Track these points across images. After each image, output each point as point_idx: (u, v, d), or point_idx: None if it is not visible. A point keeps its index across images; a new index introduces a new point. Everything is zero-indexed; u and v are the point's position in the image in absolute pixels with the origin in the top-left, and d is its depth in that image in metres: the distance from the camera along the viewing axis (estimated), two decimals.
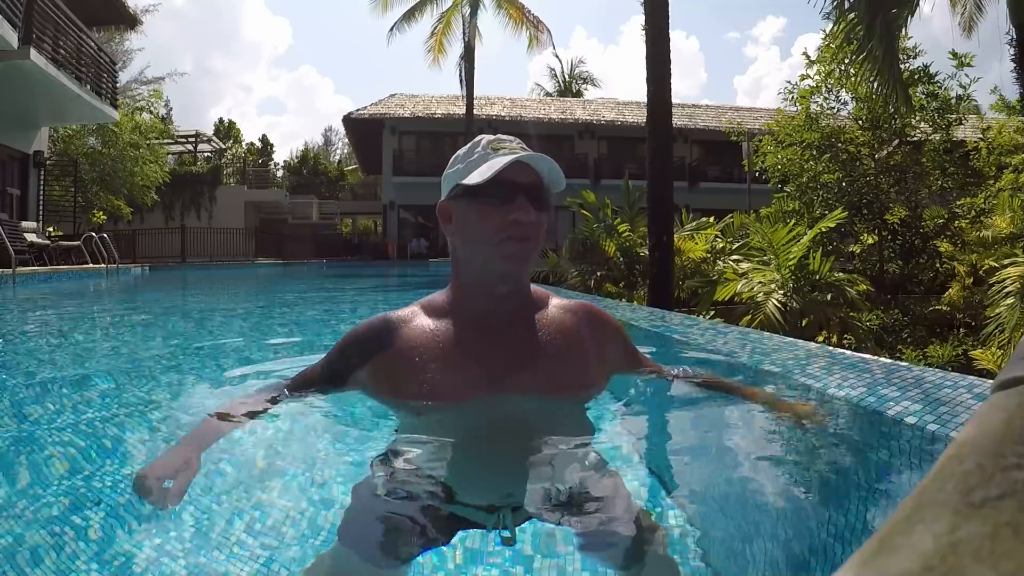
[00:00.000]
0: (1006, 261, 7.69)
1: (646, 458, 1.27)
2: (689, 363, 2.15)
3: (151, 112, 20.62)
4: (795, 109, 10.82)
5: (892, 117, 9.75)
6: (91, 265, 11.59)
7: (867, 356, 1.72)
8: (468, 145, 1.10)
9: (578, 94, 32.69)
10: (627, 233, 8.98)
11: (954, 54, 9.93)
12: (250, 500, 1.13)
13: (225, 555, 0.97)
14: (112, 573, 0.92)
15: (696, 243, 8.67)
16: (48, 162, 14.12)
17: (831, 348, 1.94)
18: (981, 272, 9.00)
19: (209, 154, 28.75)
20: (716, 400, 1.37)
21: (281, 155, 63.82)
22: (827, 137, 10.24)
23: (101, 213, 16.28)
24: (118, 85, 15.20)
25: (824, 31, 9.74)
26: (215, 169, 25.58)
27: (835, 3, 7.25)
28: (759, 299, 5.85)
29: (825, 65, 10.28)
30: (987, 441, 0.20)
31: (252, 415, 1.14)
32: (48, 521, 1.07)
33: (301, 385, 1.19)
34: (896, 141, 10.14)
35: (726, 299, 6.56)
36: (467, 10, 20.25)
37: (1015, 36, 7.51)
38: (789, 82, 11.02)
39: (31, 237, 10.86)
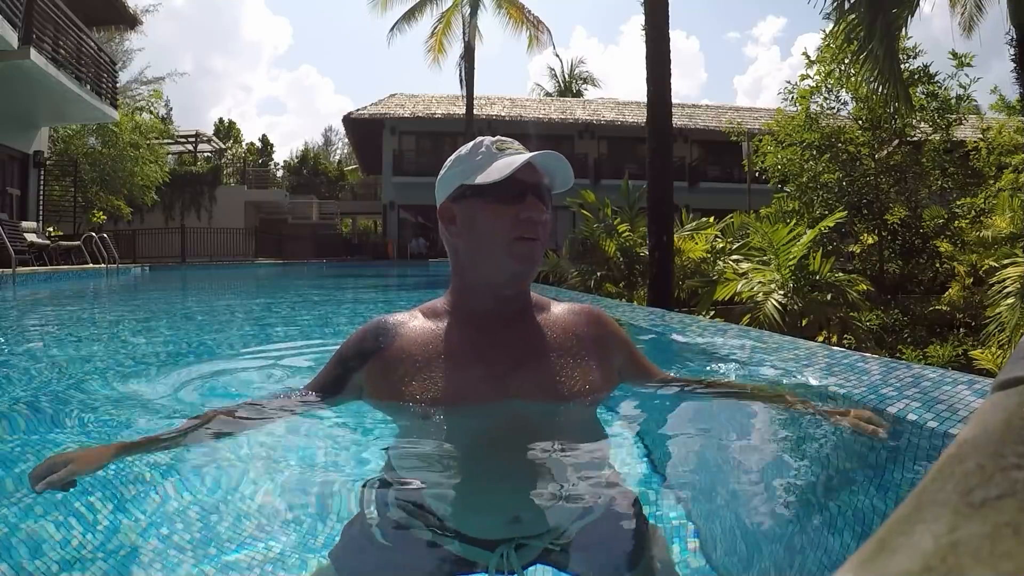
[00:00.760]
0: (1006, 261, 7.69)
1: (659, 472, 1.24)
2: (692, 367, 2.15)
3: (151, 112, 20.64)
4: (795, 109, 10.81)
5: (892, 117, 9.75)
6: (91, 265, 11.59)
7: (867, 354, 1.72)
8: (469, 146, 1.09)
9: (578, 94, 32.69)
10: (627, 233, 8.97)
11: (954, 54, 9.92)
12: (232, 519, 1.11)
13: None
14: None
15: (696, 243, 8.67)
16: (48, 162, 14.12)
17: (832, 347, 1.93)
18: (981, 272, 8.99)
19: (209, 154, 28.75)
20: (725, 406, 1.29)
21: (281, 155, 63.86)
22: (827, 137, 10.24)
23: (101, 213, 16.28)
24: (118, 85, 15.20)
25: (824, 31, 9.75)
26: (215, 169, 25.58)
27: (835, 4, 7.25)
28: (759, 299, 5.85)
29: (825, 65, 10.28)
30: (987, 441, 0.20)
31: (230, 427, 1.06)
32: (41, 519, 1.07)
33: (305, 395, 1.13)
34: (896, 141, 10.14)
35: (726, 299, 6.56)
36: (467, 10, 20.25)
37: (1015, 36, 7.50)
38: (789, 82, 11.02)
39: (31, 237, 10.86)
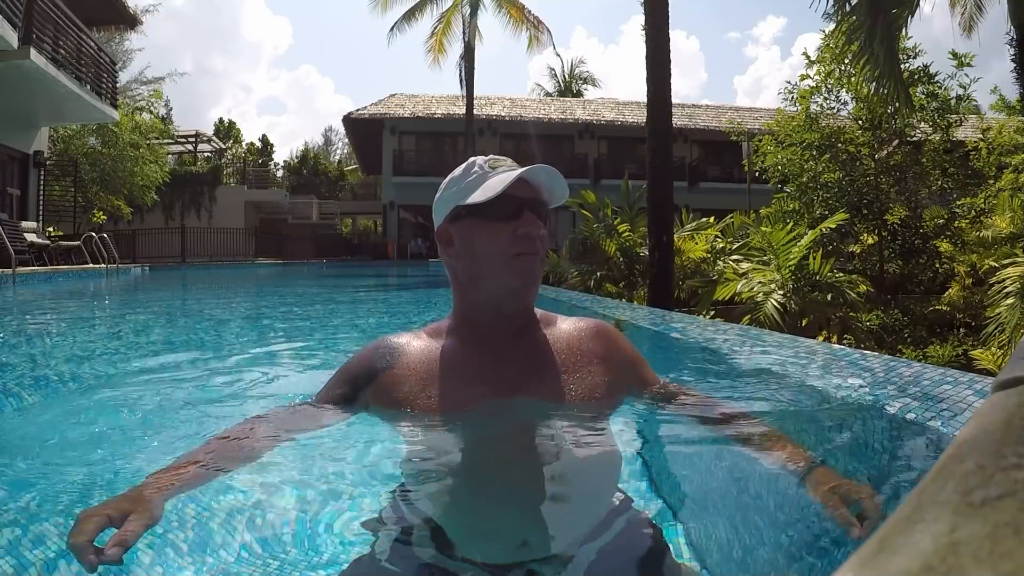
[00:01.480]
0: (1006, 261, 7.69)
1: (668, 492, 1.22)
2: (692, 367, 2.15)
3: (151, 112, 20.63)
4: (795, 109, 10.81)
5: (892, 117, 9.75)
6: (91, 265, 11.59)
7: (867, 352, 1.72)
8: (462, 167, 1.08)
9: (578, 94, 32.69)
10: (627, 233, 8.98)
11: (954, 54, 9.92)
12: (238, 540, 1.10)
13: None
14: None
15: (696, 243, 8.67)
16: (48, 162, 14.11)
17: (832, 344, 1.93)
18: (981, 272, 9.00)
19: (209, 154, 28.76)
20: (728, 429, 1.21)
21: (281, 155, 63.85)
22: (827, 137, 10.24)
23: (101, 213, 16.28)
24: (118, 85, 15.21)
25: (824, 31, 9.76)
26: (215, 169, 25.58)
27: (836, 5, 7.25)
28: (759, 299, 5.85)
29: (825, 65, 10.28)
30: (987, 441, 0.20)
31: (250, 451, 1.00)
32: (39, 520, 1.07)
33: (311, 411, 1.10)
34: (896, 141, 10.14)
35: (726, 299, 6.56)
36: (467, 10, 20.26)
37: (1015, 36, 7.51)
38: (789, 82, 11.03)
39: (31, 237, 10.86)
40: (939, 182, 10.40)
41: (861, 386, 1.42)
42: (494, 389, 1.02)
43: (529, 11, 21.08)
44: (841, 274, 6.83)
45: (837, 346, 1.87)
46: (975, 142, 11.01)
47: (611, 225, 9.21)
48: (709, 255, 8.43)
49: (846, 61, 8.97)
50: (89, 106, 12.18)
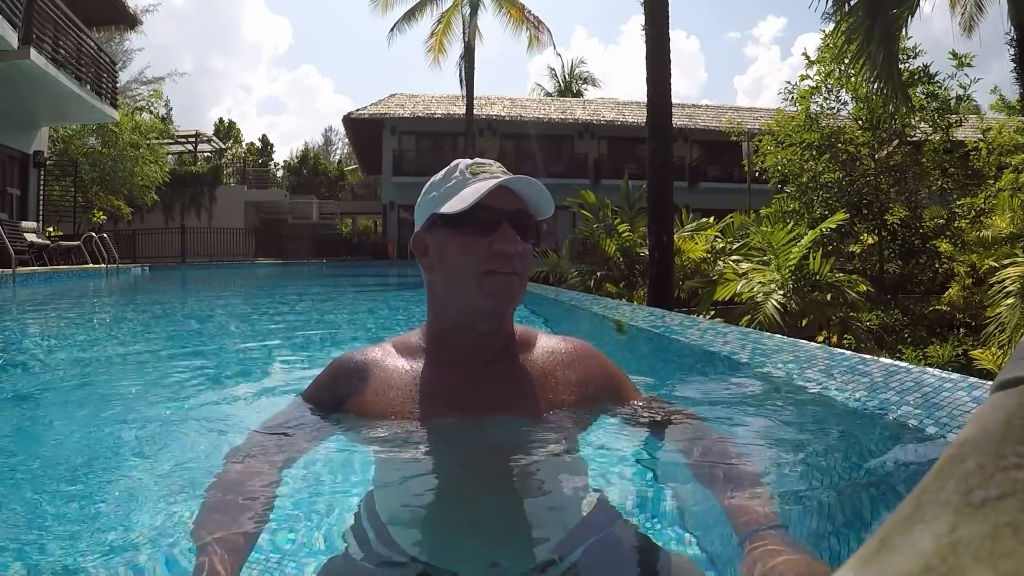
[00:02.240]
0: (1006, 261, 7.70)
1: (658, 499, 1.19)
2: (691, 367, 2.15)
3: (151, 112, 20.63)
4: (795, 109, 10.83)
5: (892, 117, 9.76)
6: (91, 265, 11.59)
7: (867, 356, 1.72)
8: (444, 171, 1.01)
9: (578, 94, 32.69)
10: (627, 233, 8.98)
11: (954, 54, 9.93)
12: None
13: None
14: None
15: (696, 243, 8.67)
16: (48, 162, 14.11)
17: (832, 349, 1.93)
18: (981, 272, 9.00)
19: (209, 154, 28.76)
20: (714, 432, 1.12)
21: (281, 155, 63.88)
22: (827, 137, 10.25)
23: (101, 213, 16.28)
24: (118, 85, 15.20)
25: (824, 31, 9.76)
26: (215, 169, 25.59)
27: (835, 5, 7.25)
28: (759, 299, 5.86)
29: (825, 65, 10.29)
30: (987, 441, 0.20)
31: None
32: (39, 520, 1.07)
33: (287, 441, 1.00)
34: (896, 141, 10.15)
35: (726, 299, 6.56)
36: (467, 10, 20.26)
37: (1015, 36, 7.51)
38: (789, 82, 11.05)
39: (31, 237, 10.86)
40: (939, 182, 10.42)
41: (859, 392, 1.42)
42: (463, 415, 0.97)
43: (529, 11, 21.09)
44: (841, 274, 6.84)
45: (837, 350, 1.87)
46: (975, 142, 11.02)
47: (611, 225, 9.21)
48: (709, 255, 8.43)
49: (845, 61, 8.97)
50: (89, 106, 12.18)
